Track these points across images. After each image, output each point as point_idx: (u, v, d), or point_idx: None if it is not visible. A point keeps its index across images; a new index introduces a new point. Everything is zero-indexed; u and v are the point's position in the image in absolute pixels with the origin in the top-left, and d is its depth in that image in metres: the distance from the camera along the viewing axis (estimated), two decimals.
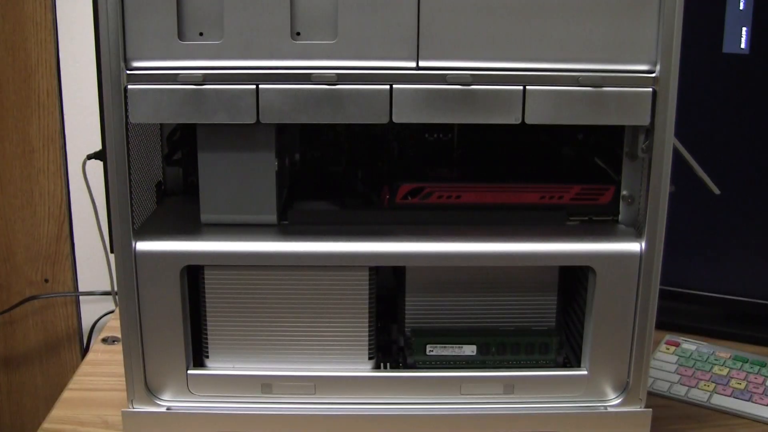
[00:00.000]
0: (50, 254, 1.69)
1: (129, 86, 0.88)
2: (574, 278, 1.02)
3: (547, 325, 1.02)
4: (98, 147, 1.48)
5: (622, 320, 0.96)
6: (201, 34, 0.88)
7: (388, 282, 1.04)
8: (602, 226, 0.99)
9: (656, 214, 0.93)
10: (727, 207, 1.31)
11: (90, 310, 1.72)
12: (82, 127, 1.61)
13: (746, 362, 1.23)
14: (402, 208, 0.99)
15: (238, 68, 0.88)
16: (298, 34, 0.88)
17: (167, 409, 0.98)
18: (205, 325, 0.98)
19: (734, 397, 1.15)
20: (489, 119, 0.89)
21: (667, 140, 0.91)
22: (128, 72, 0.87)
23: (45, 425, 1.07)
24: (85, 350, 1.71)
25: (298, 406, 0.98)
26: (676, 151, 0.94)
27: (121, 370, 0.97)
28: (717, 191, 1.03)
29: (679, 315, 1.37)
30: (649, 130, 0.91)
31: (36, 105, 1.61)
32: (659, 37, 0.88)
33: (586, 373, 0.99)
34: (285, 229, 0.97)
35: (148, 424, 0.98)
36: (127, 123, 0.89)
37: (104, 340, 1.33)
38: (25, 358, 1.74)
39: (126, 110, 0.88)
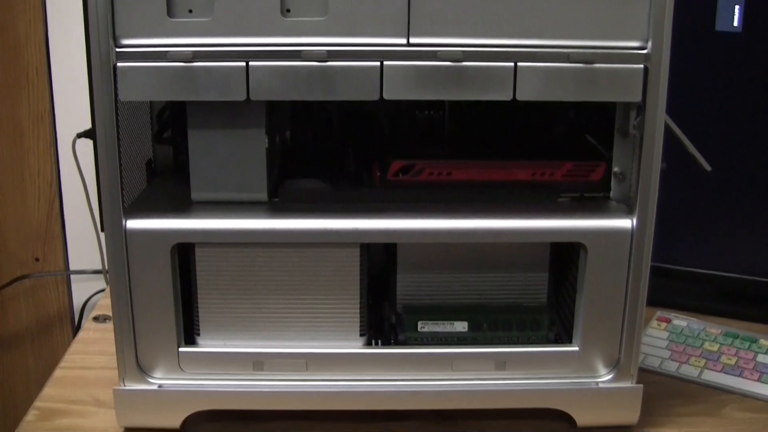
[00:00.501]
0: (41, 233, 1.68)
1: (118, 64, 0.87)
2: (565, 255, 1.03)
3: (539, 302, 1.02)
4: (88, 126, 1.47)
5: (613, 297, 0.96)
6: (190, 11, 0.87)
7: (379, 259, 1.04)
8: (593, 202, 1.00)
9: (647, 191, 0.93)
10: (718, 184, 1.31)
11: (81, 289, 1.72)
12: (72, 105, 1.60)
13: (737, 338, 1.24)
14: (393, 186, 0.99)
15: (227, 45, 0.87)
16: (288, 10, 0.88)
17: (159, 386, 0.98)
18: (196, 302, 0.98)
19: (725, 373, 1.15)
20: (480, 96, 0.89)
21: (658, 117, 0.91)
22: (117, 50, 0.87)
23: (37, 404, 1.07)
24: (76, 329, 1.71)
25: (289, 383, 0.99)
26: (667, 128, 0.94)
27: (113, 348, 0.97)
28: (708, 168, 1.04)
29: (670, 292, 1.37)
30: (640, 107, 0.91)
31: (25, 84, 1.60)
32: (651, 14, 0.88)
33: (577, 349, 0.99)
34: (276, 206, 0.97)
35: (140, 402, 0.98)
36: (116, 101, 0.89)
37: (95, 319, 1.33)
38: (16, 338, 1.74)
39: (115, 88, 0.88)
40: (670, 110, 0.92)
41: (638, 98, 0.90)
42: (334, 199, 0.99)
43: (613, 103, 0.96)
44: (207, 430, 1.01)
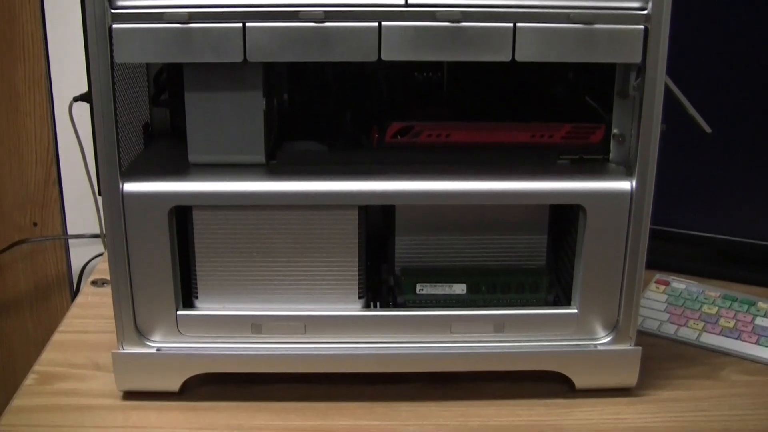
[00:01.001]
0: (38, 198, 1.68)
1: (114, 25, 0.86)
2: (564, 217, 1.02)
3: (538, 264, 1.02)
4: (84, 89, 1.46)
5: (612, 259, 0.96)
6: None
7: (377, 222, 1.04)
8: (593, 164, 0.99)
9: (647, 153, 0.93)
10: (718, 146, 1.30)
11: (79, 254, 1.71)
12: (68, 69, 1.59)
13: (735, 301, 1.24)
14: (391, 148, 0.99)
15: (224, 6, 0.86)
16: None
17: (157, 350, 0.98)
18: (194, 265, 0.98)
19: (723, 336, 1.16)
20: (479, 57, 0.88)
21: (658, 79, 0.90)
22: (113, 11, 0.86)
23: (36, 368, 1.07)
24: (75, 293, 1.71)
25: (287, 346, 0.99)
26: (667, 90, 0.93)
27: (111, 312, 0.97)
28: (708, 130, 1.03)
29: (669, 254, 1.37)
30: (640, 69, 0.91)
31: (20, 48, 1.59)
32: None
33: (575, 311, 0.99)
34: (273, 168, 0.97)
35: (138, 365, 0.99)
36: (112, 63, 0.88)
37: (94, 283, 1.33)
38: (15, 303, 1.74)
39: (111, 50, 0.87)
40: (671, 72, 0.92)
41: (638, 59, 0.89)
42: (332, 161, 0.98)
43: (613, 65, 0.95)
44: (206, 394, 1.01)
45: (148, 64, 1.08)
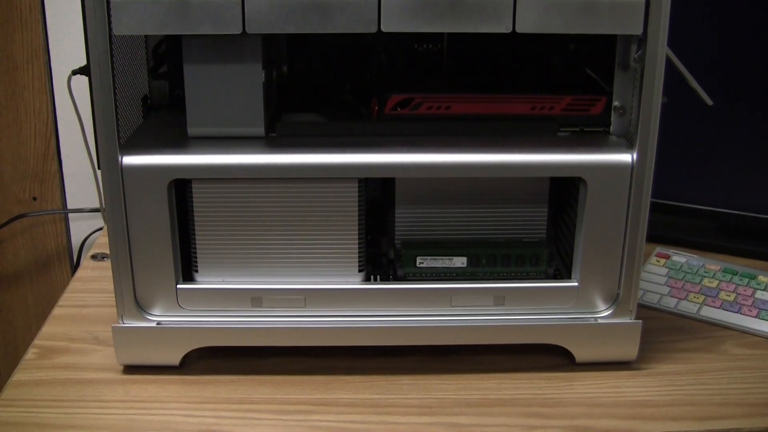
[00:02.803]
0: (38, 172, 1.67)
1: None
2: (565, 189, 1.02)
3: (538, 237, 1.02)
4: (83, 62, 1.46)
5: (612, 232, 0.96)
6: None
7: (377, 194, 1.04)
8: (593, 137, 0.99)
9: (648, 125, 0.92)
10: (719, 119, 1.30)
11: (79, 228, 1.71)
12: (66, 41, 1.59)
13: (736, 275, 1.24)
14: (391, 120, 0.99)
15: None
16: None
17: (157, 324, 0.98)
18: (194, 239, 0.97)
19: (723, 309, 1.16)
20: (479, 28, 0.88)
21: (659, 50, 0.90)
22: None
23: (37, 341, 1.08)
24: (75, 267, 1.71)
25: (288, 320, 0.99)
26: (668, 62, 0.93)
27: (111, 286, 0.97)
28: (710, 102, 1.03)
29: (669, 228, 1.37)
30: (641, 40, 0.90)
31: (18, 21, 1.58)
32: None
33: (576, 284, 0.99)
34: (273, 141, 0.96)
35: (138, 339, 0.99)
36: (111, 35, 0.88)
37: (93, 257, 1.33)
38: (15, 277, 1.74)
39: (110, 22, 0.87)
40: (672, 43, 0.91)
41: (639, 31, 0.89)
42: (332, 133, 0.98)
43: (614, 36, 0.95)
44: (206, 368, 1.02)
45: (146, 37, 1.07)
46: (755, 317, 1.13)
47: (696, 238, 1.36)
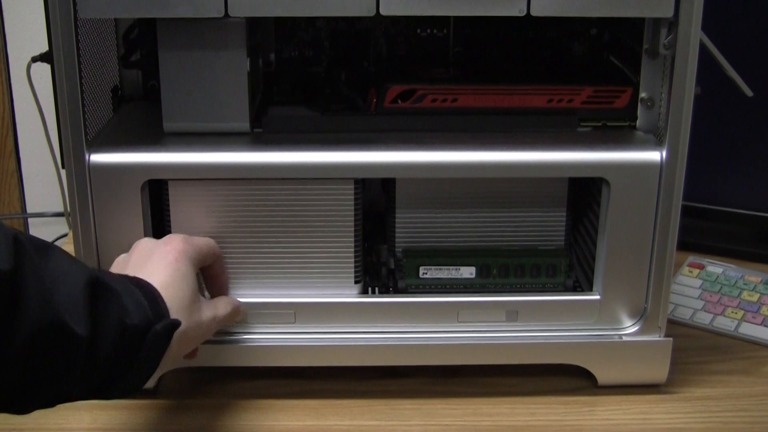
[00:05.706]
0: None
1: None
2: (586, 192, 1.03)
3: (555, 245, 1.03)
4: (44, 48, 1.46)
5: (639, 239, 0.97)
6: None
7: (376, 197, 1.05)
8: (618, 132, 1.00)
9: (679, 120, 0.93)
10: (760, 112, 1.31)
11: (41, 234, 1.69)
12: (25, 25, 1.59)
13: None
14: (391, 113, 0.99)
15: None
16: None
17: None
18: None
19: (765, 326, 1.16)
20: (489, 11, 0.88)
21: (692, 35, 0.90)
22: None
23: None
24: None
25: (275, 337, 0.99)
26: (702, 48, 0.93)
27: None
28: (750, 93, 1.03)
29: (704, 234, 1.38)
30: (672, 24, 0.91)
31: None
32: None
33: (598, 297, 1.00)
34: (259, 137, 0.97)
35: None
36: (76, 18, 0.88)
37: None
38: None
39: (74, 4, 0.87)
40: (707, 27, 0.92)
41: (670, 13, 0.89)
42: (325, 128, 0.99)
43: (641, 20, 0.95)
44: (184, 392, 1.02)
45: (117, 20, 1.08)
46: None
47: (733, 245, 1.37)
